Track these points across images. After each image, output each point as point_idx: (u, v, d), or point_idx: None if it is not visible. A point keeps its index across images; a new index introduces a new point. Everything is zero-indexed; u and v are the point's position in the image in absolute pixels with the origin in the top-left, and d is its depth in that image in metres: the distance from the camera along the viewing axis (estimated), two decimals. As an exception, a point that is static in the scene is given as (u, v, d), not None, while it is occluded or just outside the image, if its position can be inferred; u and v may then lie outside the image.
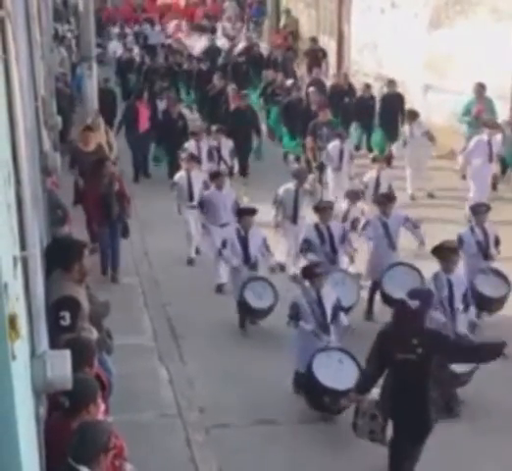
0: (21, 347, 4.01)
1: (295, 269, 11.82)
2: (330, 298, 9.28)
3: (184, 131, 17.14)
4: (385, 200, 11.58)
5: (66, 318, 6.86)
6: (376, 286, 11.21)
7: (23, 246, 4.59)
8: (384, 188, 13.39)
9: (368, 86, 19.09)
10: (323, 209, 11.26)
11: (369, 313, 11.33)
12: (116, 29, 32.45)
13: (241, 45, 26.68)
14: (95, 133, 14.15)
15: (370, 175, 13.80)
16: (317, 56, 24.38)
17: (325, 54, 24.72)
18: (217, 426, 8.83)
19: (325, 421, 8.78)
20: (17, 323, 3.74)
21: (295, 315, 9.15)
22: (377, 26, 22.13)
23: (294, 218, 12.56)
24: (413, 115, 16.44)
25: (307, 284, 9.38)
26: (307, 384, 8.82)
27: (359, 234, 11.60)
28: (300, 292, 9.41)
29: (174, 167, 16.32)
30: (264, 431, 8.78)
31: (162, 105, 18.69)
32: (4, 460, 3.75)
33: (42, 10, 16.75)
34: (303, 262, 10.94)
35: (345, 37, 24.65)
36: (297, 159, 17.99)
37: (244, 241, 11.08)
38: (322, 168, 15.89)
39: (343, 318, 9.39)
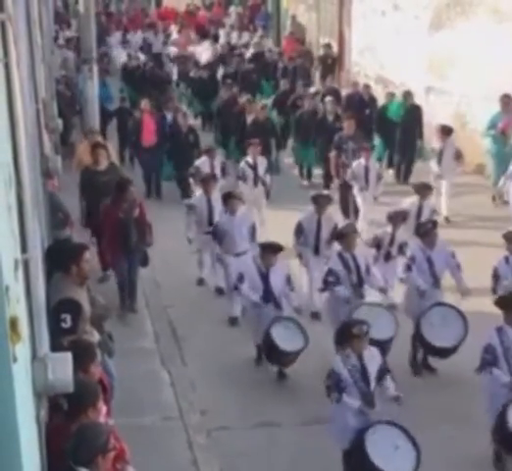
0: (22, 350, 4.01)
1: (315, 305, 10.94)
2: (374, 361, 7.77)
3: (196, 146, 16.10)
4: (430, 230, 10.14)
5: (67, 320, 6.86)
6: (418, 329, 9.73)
7: (24, 249, 4.59)
8: (425, 217, 11.99)
9: (392, 95, 17.96)
10: (347, 235, 10.04)
11: (415, 366, 9.96)
12: (117, 36, 31.19)
13: (250, 52, 25.78)
14: (107, 151, 12.93)
15: (411, 201, 12.33)
16: (329, 63, 23.75)
17: (335, 61, 24.07)
18: (218, 428, 8.83)
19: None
20: (18, 325, 3.74)
21: (336, 386, 7.60)
22: (378, 29, 22.13)
23: (316, 248, 11.38)
24: (447, 131, 15.18)
25: (346, 350, 7.76)
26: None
27: (404, 275, 10.29)
28: (339, 359, 7.74)
29: (184, 185, 15.62)
30: (265, 433, 8.77)
31: (169, 117, 17.42)
32: (5, 462, 3.75)
33: (43, 13, 16.75)
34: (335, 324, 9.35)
35: (346, 40, 24.64)
36: (309, 176, 17.27)
37: (265, 278, 9.87)
38: (346, 187, 14.61)
39: (390, 384, 7.78)
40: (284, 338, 9.40)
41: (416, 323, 9.72)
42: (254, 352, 10.11)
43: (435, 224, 10.42)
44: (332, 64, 24.01)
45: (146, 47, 28.56)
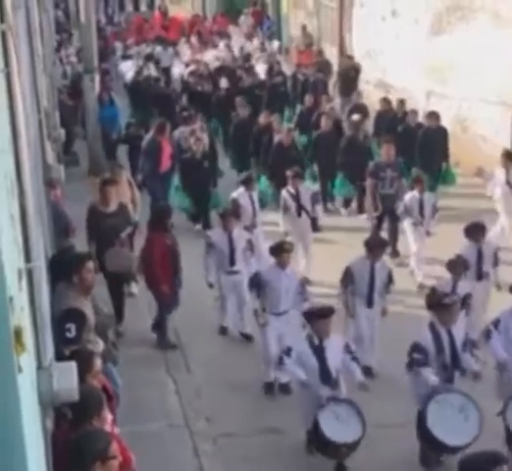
0: (27, 360, 4.01)
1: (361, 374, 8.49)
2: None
3: (213, 172, 14.98)
4: None
5: (71, 330, 6.88)
6: None
7: (27, 258, 4.60)
8: (488, 260, 10.64)
9: (414, 112, 16.43)
10: (447, 307, 8.21)
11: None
12: (119, 47, 29.76)
13: (260, 66, 23.63)
14: (117, 189, 11.47)
15: (466, 245, 10.66)
16: (350, 75, 21.67)
17: (358, 72, 21.92)
18: (224, 435, 8.83)
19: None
20: (22, 336, 3.74)
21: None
22: (378, 34, 22.18)
23: (370, 300, 9.94)
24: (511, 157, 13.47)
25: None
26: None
27: (485, 343, 8.68)
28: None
29: (204, 216, 14.68)
30: (271, 439, 8.78)
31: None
32: (12, 473, 3.75)
33: (44, 22, 16.81)
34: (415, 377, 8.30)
35: (347, 45, 24.68)
36: (325, 199, 15.33)
37: (320, 353, 8.16)
38: (381, 220, 13.52)
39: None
40: (336, 426, 7.88)
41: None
42: (260, 360, 10.06)
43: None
44: (355, 77, 21.81)
45: (154, 63, 25.95)
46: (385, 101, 17.80)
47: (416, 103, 18.89)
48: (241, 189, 12.79)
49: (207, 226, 14.39)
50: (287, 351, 8.28)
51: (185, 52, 26.96)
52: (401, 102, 17.37)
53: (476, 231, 10.58)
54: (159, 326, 10.78)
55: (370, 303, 9.91)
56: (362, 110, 17.88)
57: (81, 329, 6.93)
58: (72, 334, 6.87)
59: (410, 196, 12.65)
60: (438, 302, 8.32)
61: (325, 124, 15.88)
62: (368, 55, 22.72)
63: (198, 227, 14.65)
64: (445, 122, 17.36)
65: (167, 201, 14.26)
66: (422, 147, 15.26)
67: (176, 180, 15.16)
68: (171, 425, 9.01)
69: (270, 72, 22.21)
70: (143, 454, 6.77)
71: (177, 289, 10.69)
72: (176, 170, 15.21)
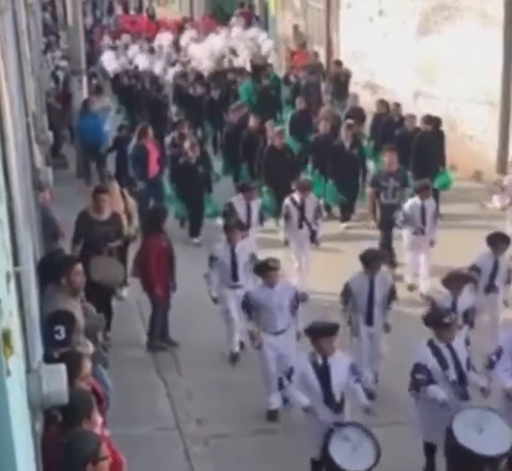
0: (15, 363, 4.01)
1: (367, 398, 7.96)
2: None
3: (207, 178, 14.56)
4: None
5: (61, 332, 6.87)
6: None
7: (16, 262, 4.60)
8: (501, 274, 10.26)
9: (412, 117, 15.69)
10: (445, 325, 7.85)
11: None
12: (106, 40, 30.01)
13: (243, 54, 24.17)
14: (110, 198, 11.29)
15: (483, 254, 10.24)
16: (340, 80, 21.43)
17: (348, 77, 21.70)
18: (215, 437, 8.83)
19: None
20: (11, 338, 3.73)
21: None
22: (365, 35, 22.22)
23: (369, 318, 9.46)
24: None
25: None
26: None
27: (488, 368, 8.01)
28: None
29: (195, 223, 14.46)
30: (263, 440, 8.79)
31: (167, 140, 16.04)
32: (1, 476, 3.75)
33: (31, 25, 16.79)
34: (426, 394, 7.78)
35: (334, 46, 24.72)
36: (328, 209, 14.98)
37: (325, 373, 7.55)
38: (387, 231, 12.88)
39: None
40: (348, 453, 7.22)
41: None
42: (251, 360, 9.98)
43: None
44: (346, 82, 21.61)
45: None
46: (382, 104, 17.26)
47: (404, 103, 18.93)
48: (240, 196, 12.47)
49: (196, 233, 14.32)
50: (289, 373, 7.64)
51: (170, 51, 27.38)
52: (397, 105, 16.88)
53: (499, 241, 10.10)
54: (160, 331, 10.77)
55: (370, 320, 9.42)
56: (358, 114, 17.46)
57: (71, 331, 6.93)
58: (61, 336, 6.87)
59: (411, 204, 12.10)
60: (437, 321, 7.90)
61: (323, 127, 15.51)
62: (355, 56, 22.76)
63: (196, 240, 14.27)
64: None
65: (159, 205, 13.88)
66: (417, 152, 14.74)
67: (167, 187, 14.80)
68: (162, 427, 9.00)
69: (259, 73, 21.91)
70: (134, 457, 6.77)
71: (170, 292, 10.65)
72: (165, 176, 14.96)
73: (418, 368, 7.72)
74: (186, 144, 14.46)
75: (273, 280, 9.08)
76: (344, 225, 15.04)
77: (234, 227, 10.59)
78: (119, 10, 43.36)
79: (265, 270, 9.17)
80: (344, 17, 23.89)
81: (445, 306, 8.88)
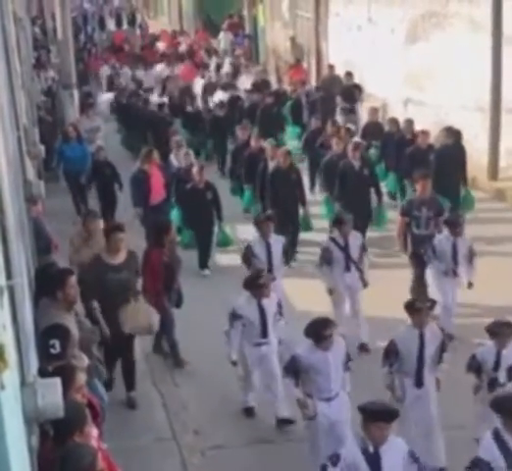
0: (10, 377, 4.01)
1: None
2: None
3: (216, 206, 13.32)
4: None
5: (56, 346, 6.85)
6: None
7: (8, 275, 4.60)
8: None
9: (425, 134, 14.68)
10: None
11: None
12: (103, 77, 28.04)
13: (247, 83, 22.65)
14: (94, 239, 10.41)
15: None
16: (353, 94, 20.21)
17: (361, 91, 20.46)
18: (212, 447, 8.80)
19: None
20: (4, 352, 3.74)
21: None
22: (354, 43, 22.31)
23: (419, 379, 8.10)
24: None
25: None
26: None
27: None
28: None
29: (204, 253, 13.36)
30: (260, 450, 8.76)
31: (174, 163, 15.01)
32: (-3, 491, 3.74)
33: (21, 39, 16.83)
34: None
35: (323, 55, 24.81)
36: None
37: (375, 463, 6.37)
38: (420, 265, 11.44)
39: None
40: None
41: None
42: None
43: None
44: (358, 95, 20.34)
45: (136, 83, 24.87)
46: (393, 122, 16.23)
47: (394, 111, 19.02)
48: (257, 235, 10.98)
49: (205, 264, 13.43)
50: (334, 459, 6.52)
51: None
52: (409, 122, 15.70)
53: None
54: (170, 339, 10.62)
55: (419, 382, 8.03)
56: (376, 130, 16.60)
57: (66, 344, 6.91)
58: (56, 350, 6.85)
59: (441, 238, 10.93)
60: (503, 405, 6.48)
61: (336, 147, 14.37)
62: (345, 64, 22.85)
63: (207, 272, 13.40)
64: (424, 128, 17.51)
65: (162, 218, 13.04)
66: (436, 170, 13.50)
67: (175, 216, 13.58)
68: (158, 439, 8.96)
69: (258, 89, 21.05)
70: (131, 469, 6.77)
71: (167, 307, 10.34)
72: (172, 202, 13.86)
73: (479, 464, 6.40)
74: (194, 169, 13.42)
75: (328, 345, 7.73)
76: None
77: (263, 284, 9.00)
78: (111, 25, 43.39)
79: (320, 337, 7.72)
80: (333, 25, 23.99)
81: (488, 359, 8.01)
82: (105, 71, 27.89)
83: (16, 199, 6.70)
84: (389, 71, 19.97)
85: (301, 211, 13.65)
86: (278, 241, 10.97)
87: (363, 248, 10.85)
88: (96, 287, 9.12)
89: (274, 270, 10.63)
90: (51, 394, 4.81)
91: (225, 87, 21.87)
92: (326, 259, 10.68)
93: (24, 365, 4.87)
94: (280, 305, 9.13)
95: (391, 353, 8.01)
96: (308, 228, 13.82)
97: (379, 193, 13.73)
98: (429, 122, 17.94)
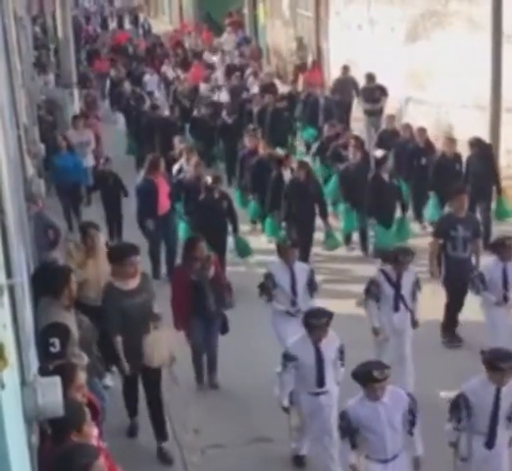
0: (10, 376, 4.01)
1: None
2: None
3: (232, 217, 12.53)
4: None
5: (55, 345, 6.86)
6: None
7: (8, 274, 4.60)
8: None
9: (452, 141, 13.97)
10: None
11: None
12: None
13: (255, 86, 21.86)
14: (96, 256, 9.66)
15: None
16: (375, 98, 19.25)
17: (385, 93, 19.32)
18: (212, 446, 8.80)
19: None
20: (4, 351, 3.74)
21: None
22: (355, 42, 22.30)
23: (491, 439, 7.06)
24: None
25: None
26: None
27: None
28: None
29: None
30: (260, 449, 8.76)
31: (184, 167, 14.15)
32: (-3, 490, 3.75)
33: (21, 38, 16.84)
34: None
35: (324, 54, 24.79)
36: (364, 248, 13.36)
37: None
38: (456, 293, 10.57)
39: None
40: None
41: None
42: (246, 369, 9.98)
43: None
44: (380, 98, 19.32)
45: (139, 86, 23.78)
46: (408, 128, 15.34)
47: (395, 110, 19.01)
48: (277, 261, 9.73)
49: None
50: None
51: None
52: (422, 131, 14.83)
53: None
54: (198, 364, 9.95)
55: (491, 442, 7.01)
56: (392, 138, 15.62)
57: (66, 343, 6.92)
58: (56, 348, 6.86)
59: (490, 265, 9.74)
60: None
61: (353, 155, 13.66)
62: (345, 63, 22.82)
63: None
64: (426, 127, 17.52)
65: (172, 246, 12.83)
66: (467, 181, 12.99)
67: (182, 229, 12.96)
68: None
69: (268, 92, 19.99)
70: (131, 468, 6.76)
71: (204, 326, 9.63)
72: (178, 214, 13.09)
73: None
74: (208, 178, 12.64)
75: (378, 393, 6.69)
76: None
77: (318, 324, 7.74)
78: (113, 25, 43.14)
79: (369, 381, 6.68)
80: (333, 25, 23.98)
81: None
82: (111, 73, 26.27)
83: (16, 198, 6.71)
84: (390, 70, 19.94)
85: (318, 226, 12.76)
86: (303, 270, 9.65)
87: (417, 286, 9.46)
88: (115, 319, 8.25)
89: (298, 302, 9.47)
90: (51, 393, 4.81)
91: (233, 90, 21.21)
92: (373, 294, 9.33)
93: (24, 364, 4.87)
94: (341, 351, 7.93)
95: (461, 407, 6.98)
96: (334, 245, 13.04)
97: (404, 205, 13.19)
98: (429, 120, 17.97)
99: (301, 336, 7.95)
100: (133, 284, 8.34)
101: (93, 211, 15.04)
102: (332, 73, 24.08)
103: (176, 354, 8.63)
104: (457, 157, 13.75)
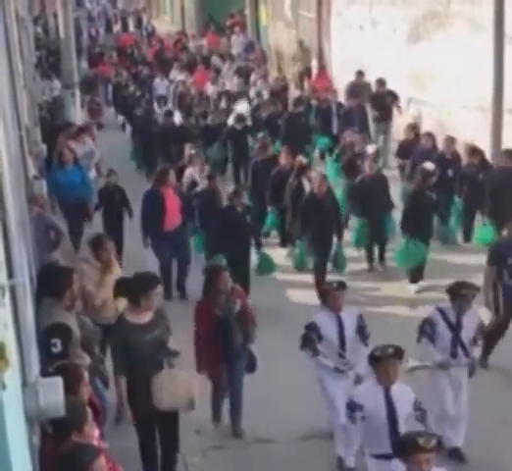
0: (11, 376, 4.00)
1: None
2: None
3: (254, 231, 12.04)
4: None
5: (57, 345, 6.87)
6: None
7: (10, 274, 4.61)
8: None
9: (451, 140, 13.58)
10: None
11: None
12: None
13: (265, 91, 21.37)
14: (110, 272, 9.03)
15: None
16: (385, 104, 18.51)
17: (396, 98, 18.55)
18: (214, 447, 8.79)
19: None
20: (5, 352, 3.74)
21: None
22: (357, 43, 22.29)
23: None
24: None
25: None
26: None
27: None
28: None
29: (246, 287, 10.65)
30: (261, 450, 8.74)
31: (196, 177, 13.47)
32: (-2, 490, 3.74)
33: (23, 39, 16.85)
34: None
35: (326, 55, 24.79)
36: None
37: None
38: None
39: None
40: None
41: None
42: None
43: None
44: (392, 104, 18.54)
45: (148, 91, 23.37)
46: (429, 137, 14.51)
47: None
48: (323, 311, 8.27)
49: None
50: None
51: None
52: (450, 140, 13.99)
53: None
54: (217, 405, 9.03)
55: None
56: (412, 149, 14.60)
57: (67, 344, 6.93)
58: (57, 349, 6.87)
59: None
60: None
61: (369, 167, 13.01)
62: (345, 64, 22.83)
63: None
64: (426, 128, 17.51)
65: (185, 264, 12.21)
66: (492, 192, 12.45)
67: (197, 243, 12.45)
68: (160, 438, 8.94)
69: (278, 98, 19.54)
70: (132, 469, 6.75)
71: (229, 365, 8.66)
72: (192, 228, 12.47)
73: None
74: (229, 190, 12.15)
75: (423, 467, 5.44)
76: (414, 287, 12.03)
77: (392, 361, 6.66)
78: (117, 27, 43.01)
79: (413, 452, 5.44)
80: (335, 26, 23.98)
81: None
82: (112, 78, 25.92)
83: (17, 199, 6.71)
84: (392, 71, 19.94)
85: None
86: (351, 316, 8.20)
87: (479, 329, 8.27)
88: (123, 357, 7.46)
89: (347, 354, 8.13)
90: (53, 394, 4.82)
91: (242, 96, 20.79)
92: (426, 334, 8.11)
93: (25, 364, 4.87)
94: (419, 405, 6.78)
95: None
96: (340, 266, 12.14)
97: (443, 218, 12.72)
98: (431, 121, 17.98)
99: (370, 382, 6.91)
100: (147, 317, 7.51)
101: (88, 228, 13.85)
102: (334, 73, 24.10)
103: (196, 398, 7.58)
104: (484, 167, 13.09)
